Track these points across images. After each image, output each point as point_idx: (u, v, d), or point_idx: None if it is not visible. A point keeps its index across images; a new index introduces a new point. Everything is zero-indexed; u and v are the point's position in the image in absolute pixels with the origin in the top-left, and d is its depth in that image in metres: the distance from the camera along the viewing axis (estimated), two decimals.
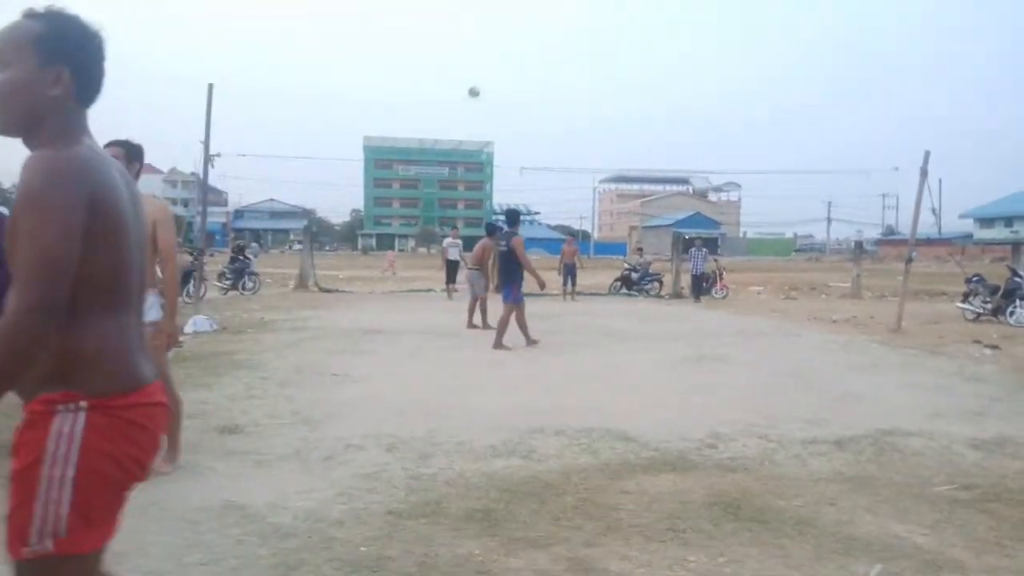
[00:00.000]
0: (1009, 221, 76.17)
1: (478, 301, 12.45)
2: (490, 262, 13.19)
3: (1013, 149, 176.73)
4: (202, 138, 11.76)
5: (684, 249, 24.81)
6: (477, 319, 12.36)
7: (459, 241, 19.90)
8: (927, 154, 12.62)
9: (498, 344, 9.87)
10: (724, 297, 20.15)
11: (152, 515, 3.60)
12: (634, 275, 22.52)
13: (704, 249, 20.71)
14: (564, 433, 5.40)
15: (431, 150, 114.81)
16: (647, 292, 21.77)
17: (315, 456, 4.79)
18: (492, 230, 13.23)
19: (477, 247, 13.14)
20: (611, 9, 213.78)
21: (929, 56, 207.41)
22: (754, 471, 4.66)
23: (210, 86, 11.30)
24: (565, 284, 19.14)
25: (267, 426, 5.50)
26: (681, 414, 6.22)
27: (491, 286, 13.57)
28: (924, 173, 12.63)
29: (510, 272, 10.18)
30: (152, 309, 4.06)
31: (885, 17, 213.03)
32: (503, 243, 10.45)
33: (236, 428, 5.27)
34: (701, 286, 20.01)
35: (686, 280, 21.85)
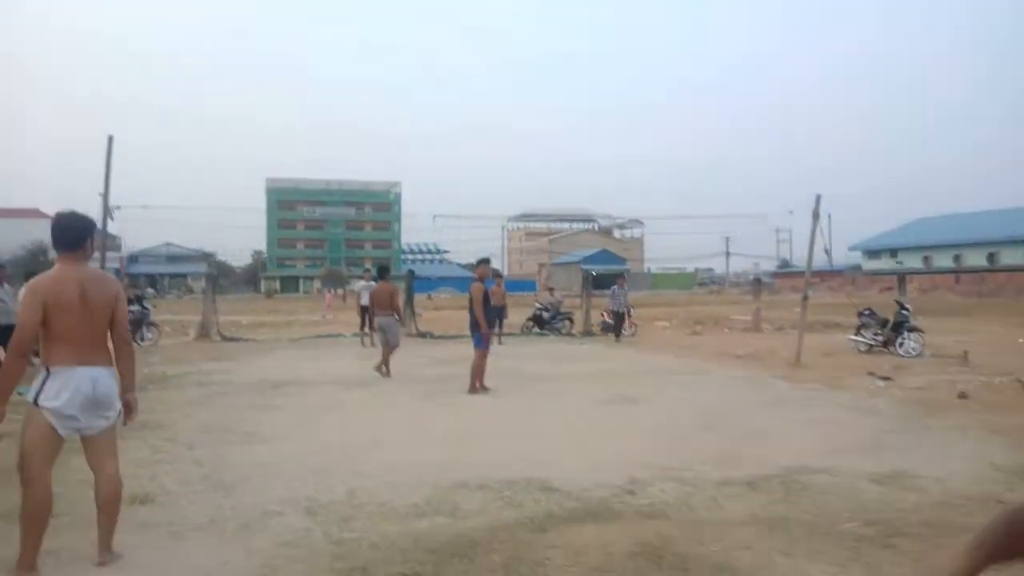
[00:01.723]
0: (894, 252, 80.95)
1: (390, 348, 12.21)
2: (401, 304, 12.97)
3: (896, 182, 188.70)
4: (100, 190, 11.33)
5: (594, 286, 25.35)
6: (386, 365, 12.07)
7: (373, 283, 19.55)
8: (818, 198, 13.39)
9: (475, 389, 10.16)
10: (633, 334, 20.60)
11: None
12: (546, 314, 22.81)
13: (626, 287, 20.78)
14: (487, 487, 5.40)
15: (337, 191, 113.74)
16: (559, 331, 22.07)
17: (232, 525, 4.63)
18: (383, 273, 13.24)
19: (383, 291, 12.69)
20: (519, 52, 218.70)
21: (812, 103, 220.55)
22: (673, 517, 4.77)
23: (110, 138, 10.95)
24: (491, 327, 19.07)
25: (178, 493, 5.28)
26: (600, 459, 6.31)
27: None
28: (816, 215, 13.37)
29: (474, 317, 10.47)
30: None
31: (765, 68, 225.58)
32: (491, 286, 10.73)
33: (146, 497, 5.03)
34: (621, 324, 20.02)
35: (596, 317, 22.30)
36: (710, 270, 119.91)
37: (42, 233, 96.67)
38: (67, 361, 3.82)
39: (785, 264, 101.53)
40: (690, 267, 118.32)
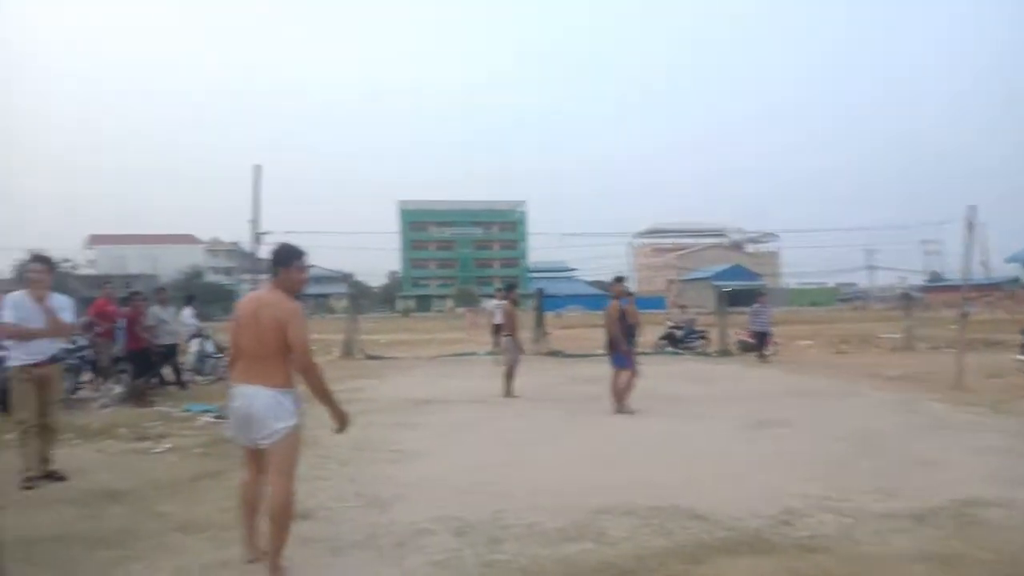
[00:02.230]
0: None
1: (509, 368, 12.17)
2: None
3: None
4: (250, 217, 12.06)
5: (728, 303, 24.61)
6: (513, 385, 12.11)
7: (503, 303, 19.69)
8: (974, 208, 12.43)
9: (620, 409, 10.17)
10: (774, 354, 19.79)
11: None
12: (678, 332, 22.34)
13: (768, 304, 19.87)
14: (634, 513, 5.32)
15: (464, 211, 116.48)
16: (694, 350, 21.54)
17: (387, 542, 4.78)
18: (509, 289, 13.33)
19: (506, 312, 12.72)
20: (645, 70, 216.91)
21: (966, 105, 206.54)
22: (835, 551, 4.54)
23: (257, 167, 11.64)
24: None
25: (336, 510, 5.51)
26: (750, 487, 6.10)
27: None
28: (971, 227, 12.44)
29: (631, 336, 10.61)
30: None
31: (919, 80, 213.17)
32: (627, 304, 10.75)
33: (307, 514, 5.27)
34: (763, 344, 19.00)
35: (732, 335, 21.63)
36: (852, 285, 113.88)
37: (196, 257, 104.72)
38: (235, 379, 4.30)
39: (936, 277, 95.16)
40: (830, 282, 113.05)
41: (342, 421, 4.46)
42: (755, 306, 19.58)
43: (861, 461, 7.04)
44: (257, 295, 4.44)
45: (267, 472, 4.23)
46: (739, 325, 22.74)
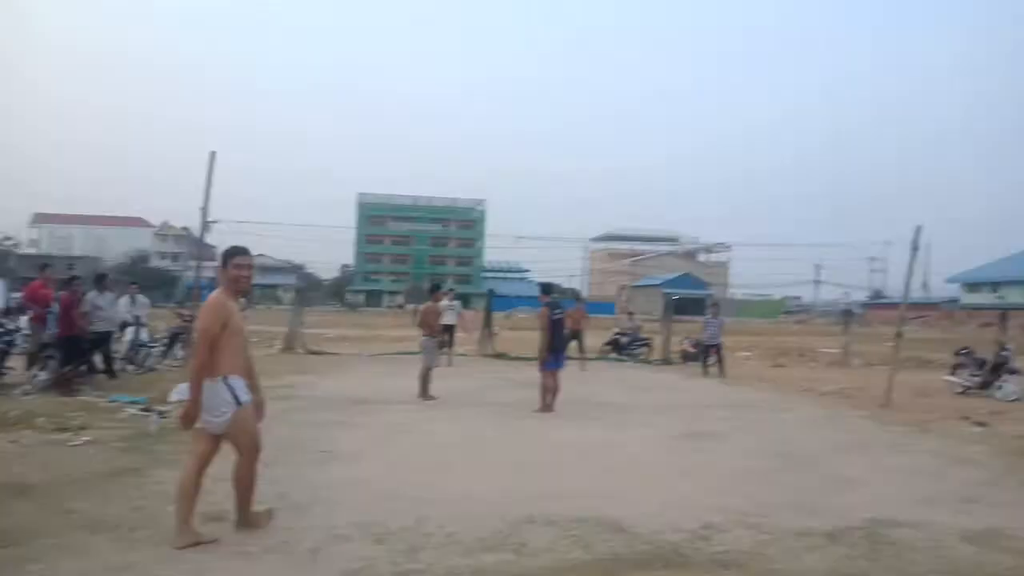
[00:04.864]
0: (995, 286, 77.08)
1: (425, 369, 12.01)
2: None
3: (999, 214, 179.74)
4: (201, 204, 11.76)
5: (675, 311, 24.83)
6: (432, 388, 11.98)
7: (456, 303, 19.50)
8: (919, 228, 12.69)
9: (547, 408, 10.77)
10: (712, 364, 20.01)
11: None
12: (624, 339, 22.55)
13: (720, 317, 18.96)
14: (555, 523, 5.32)
15: (425, 207, 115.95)
16: (636, 357, 21.75)
17: (301, 548, 4.70)
18: (435, 289, 13.34)
19: (426, 312, 12.55)
20: (613, 74, 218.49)
21: (916, 129, 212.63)
22: (747, 567, 4.60)
23: (212, 154, 11.34)
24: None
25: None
26: (674, 500, 6.15)
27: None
28: (915, 247, 12.74)
29: (564, 341, 11.32)
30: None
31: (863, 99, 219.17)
32: (559, 311, 11.22)
33: (220, 515, 5.15)
34: (708, 357, 18.24)
35: (677, 345, 21.87)
36: (798, 298, 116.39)
37: (144, 242, 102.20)
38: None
39: (878, 295, 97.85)
40: (777, 294, 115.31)
41: (187, 420, 4.75)
42: (707, 317, 19.45)
43: (784, 477, 7.17)
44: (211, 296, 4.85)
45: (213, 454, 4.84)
46: (683, 334, 23.03)
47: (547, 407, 10.81)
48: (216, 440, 4.78)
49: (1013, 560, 4.87)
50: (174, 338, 15.67)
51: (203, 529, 4.80)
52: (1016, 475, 7.48)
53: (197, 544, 4.58)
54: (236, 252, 4.85)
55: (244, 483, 4.87)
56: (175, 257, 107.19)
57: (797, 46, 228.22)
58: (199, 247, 14.78)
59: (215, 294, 4.77)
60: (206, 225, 12.53)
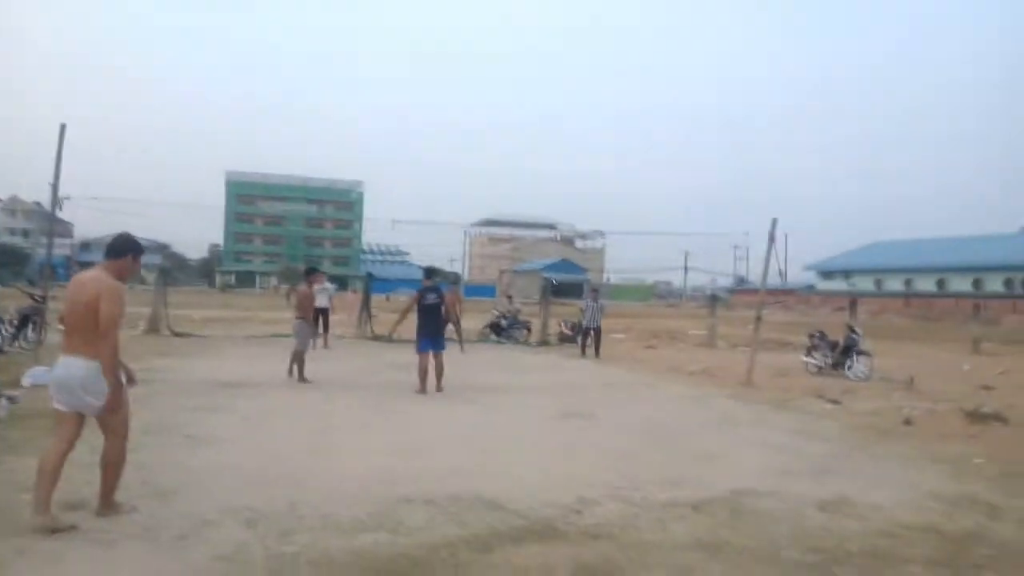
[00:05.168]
0: (848, 274, 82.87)
1: (298, 352, 11.86)
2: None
3: (851, 204, 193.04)
4: (51, 179, 10.96)
5: (554, 294, 25.31)
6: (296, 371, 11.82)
7: (329, 285, 19.22)
8: (774, 221, 13.51)
9: (439, 387, 10.95)
10: (590, 346, 20.56)
11: None
12: (503, 322, 22.78)
13: (600, 301, 19.27)
14: (433, 502, 5.34)
15: (299, 187, 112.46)
16: (516, 339, 22.03)
17: (167, 535, 4.50)
18: (309, 272, 13.22)
19: (300, 295, 12.48)
20: (485, 57, 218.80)
21: (780, 120, 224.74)
22: (617, 538, 4.77)
23: (62, 127, 10.56)
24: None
25: (115, 499, 5.11)
26: (548, 476, 6.29)
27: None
28: (772, 238, 13.52)
29: (439, 324, 11.31)
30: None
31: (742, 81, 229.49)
32: (433, 295, 11.22)
33: (80, 503, 4.86)
34: (588, 340, 18.54)
35: (554, 327, 22.32)
36: (668, 283, 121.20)
37: None
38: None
39: (741, 281, 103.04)
40: (649, 279, 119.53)
41: (112, 407, 4.71)
42: (586, 300, 19.68)
43: (652, 452, 7.47)
44: (84, 275, 4.80)
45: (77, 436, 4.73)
46: (561, 316, 23.52)
47: (421, 389, 10.84)
48: (82, 422, 4.70)
49: (859, 525, 5.26)
50: (25, 319, 14.58)
51: (63, 516, 4.53)
52: (864, 449, 8.07)
53: (55, 531, 4.36)
54: (140, 250, 5.01)
55: (117, 465, 4.79)
56: (25, 233, 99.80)
57: (671, 37, 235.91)
58: (51, 223, 13.85)
59: (113, 279, 4.70)
60: (58, 201, 11.73)
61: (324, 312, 17.37)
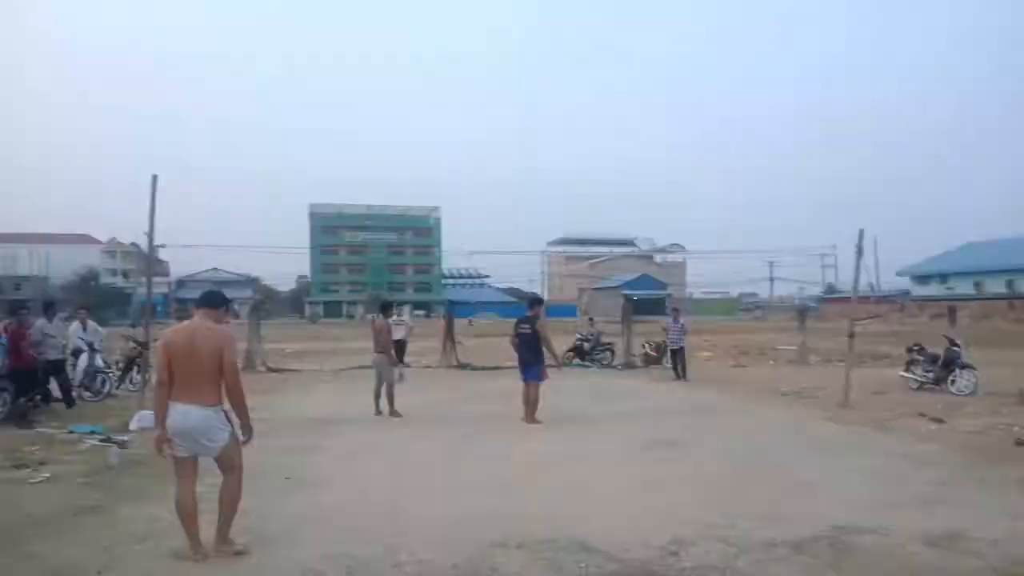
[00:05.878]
0: (944, 278, 79.07)
1: (388, 387, 12.04)
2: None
3: (947, 207, 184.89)
4: (146, 229, 11.54)
5: (635, 312, 25.04)
6: (384, 405, 12.01)
7: (405, 319, 19.60)
8: (861, 232, 13.09)
9: (531, 419, 10.92)
10: (674, 368, 20.24)
11: None
12: (586, 345, 22.68)
13: (682, 321, 18.83)
14: (526, 546, 5.34)
15: (378, 215, 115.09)
16: (600, 362, 21.91)
17: None
18: (386, 307, 13.37)
19: (377, 329, 12.54)
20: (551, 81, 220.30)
21: (856, 130, 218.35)
22: None
23: (154, 177, 11.14)
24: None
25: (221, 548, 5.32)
26: (641, 514, 6.22)
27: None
28: (860, 251, 13.10)
29: (534, 352, 11.12)
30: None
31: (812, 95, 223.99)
32: (526, 325, 11.24)
33: (181, 554, 5.08)
34: (678, 362, 18.13)
35: (637, 347, 22.10)
36: (754, 295, 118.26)
37: (92, 259, 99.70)
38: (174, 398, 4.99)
39: (831, 289, 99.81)
40: (733, 292, 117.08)
41: (248, 433, 5.27)
42: (668, 321, 19.46)
43: (747, 484, 7.29)
44: (192, 326, 5.14)
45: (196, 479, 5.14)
46: (643, 335, 23.28)
47: (523, 418, 10.99)
48: (197, 462, 5.12)
49: (975, 562, 4.99)
50: (130, 363, 15.34)
51: (171, 568, 4.74)
52: (973, 473, 7.69)
53: (237, 554, 5.07)
54: (230, 302, 5.64)
55: (234, 502, 5.15)
56: (125, 274, 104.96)
57: (755, 50, 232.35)
58: (149, 263, 14.56)
59: (223, 327, 5.23)
60: (153, 249, 12.42)
61: (400, 344, 17.74)
